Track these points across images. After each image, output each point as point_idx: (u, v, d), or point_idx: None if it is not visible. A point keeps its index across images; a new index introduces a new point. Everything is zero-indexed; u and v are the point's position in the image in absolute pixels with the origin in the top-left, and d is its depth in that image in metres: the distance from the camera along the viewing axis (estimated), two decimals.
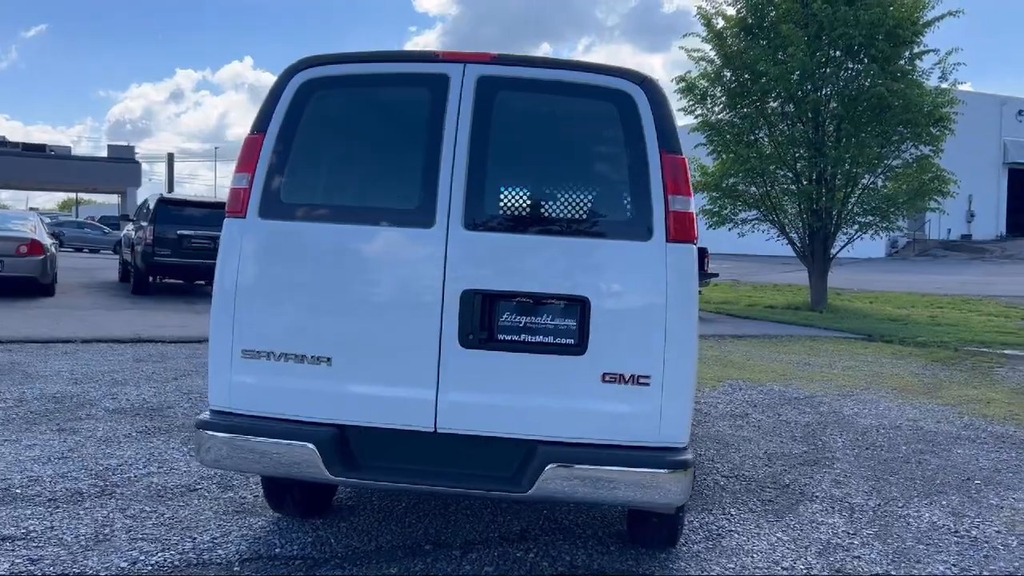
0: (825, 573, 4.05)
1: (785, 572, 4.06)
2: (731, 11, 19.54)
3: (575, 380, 3.36)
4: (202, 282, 17.88)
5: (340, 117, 3.71)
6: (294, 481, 4.21)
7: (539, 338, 3.36)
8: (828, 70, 18.38)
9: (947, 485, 5.61)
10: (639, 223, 3.41)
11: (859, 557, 4.26)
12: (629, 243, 3.41)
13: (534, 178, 3.67)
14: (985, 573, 4.11)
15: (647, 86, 3.48)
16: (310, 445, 3.34)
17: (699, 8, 19.61)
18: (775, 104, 19.56)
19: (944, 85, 18.08)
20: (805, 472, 5.83)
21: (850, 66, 18.54)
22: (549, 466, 3.23)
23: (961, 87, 18.40)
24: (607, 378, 3.33)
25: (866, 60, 18.06)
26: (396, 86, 3.64)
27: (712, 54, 19.62)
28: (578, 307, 3.35)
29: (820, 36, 17.91)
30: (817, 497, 5.25)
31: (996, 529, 4.74)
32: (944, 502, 5.22)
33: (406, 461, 3.45)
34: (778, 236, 19.95)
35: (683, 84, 20.10)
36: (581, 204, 3.60)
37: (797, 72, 17.64)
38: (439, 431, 3.39)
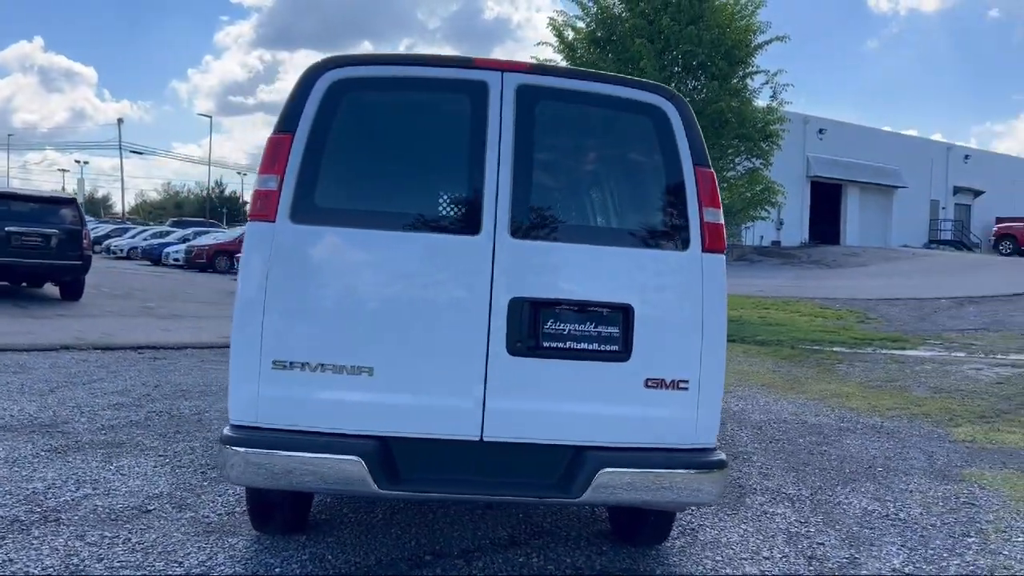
0: (802, 560, 4.37)
1: (767, 560, 4.35)
2: (581, 24, 20.28)
3: (619, 386, 3.45)
4: (24, 284, 16.44)
5: (375, 119, 3.61)
6: (287, 497, 4.05)
7: (584, 345, 3.43)
8: (673, 85, 19.44)
9: (856, 473, 6.16)
10: (677, 233, 3.56)
11: (822, 543, 4.63)
12: (668, 253, 3.55)
13: (574, 187, 3.73)
14: (930, 550, 4.58)
15: (677, 101, 3.64)
16: (358, 459, 3.23)
17: (551, 20, 20.22)
18: None
19: (773, 104, 19.64)
20: (732, 466, 6.21)
21: (691, 82, 19.73)
22: (601, 471, 3.31)
23: (786, 106, 20.03)
24: (650, 383, 3.45)
25: (705, 78, 19.29)
26: (433, 91, 3.58)
27: (564, 65, 20.25)
28: (621, 314, 3.45)
29: (665, 52, 18.95)
30: (756, 489, 5.63)
31: (918, 511, 5.29)
32: (863, 489, 5.75)
33: (450, 471, 3.41)
34: None
35: None
36: (621, 214, 3.71)
37: None
38: (485, 439, 3.38)
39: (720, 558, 4.36)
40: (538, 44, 26.31)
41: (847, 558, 4.42)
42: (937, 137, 44.87)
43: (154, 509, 4.64)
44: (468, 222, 3.43)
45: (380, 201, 3.56)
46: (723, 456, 3.53)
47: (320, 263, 3.43)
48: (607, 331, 3.44)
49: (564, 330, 3.42)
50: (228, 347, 3.46)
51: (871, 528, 4.92)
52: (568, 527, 4.67)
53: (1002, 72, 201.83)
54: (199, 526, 4.41)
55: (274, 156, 3.43)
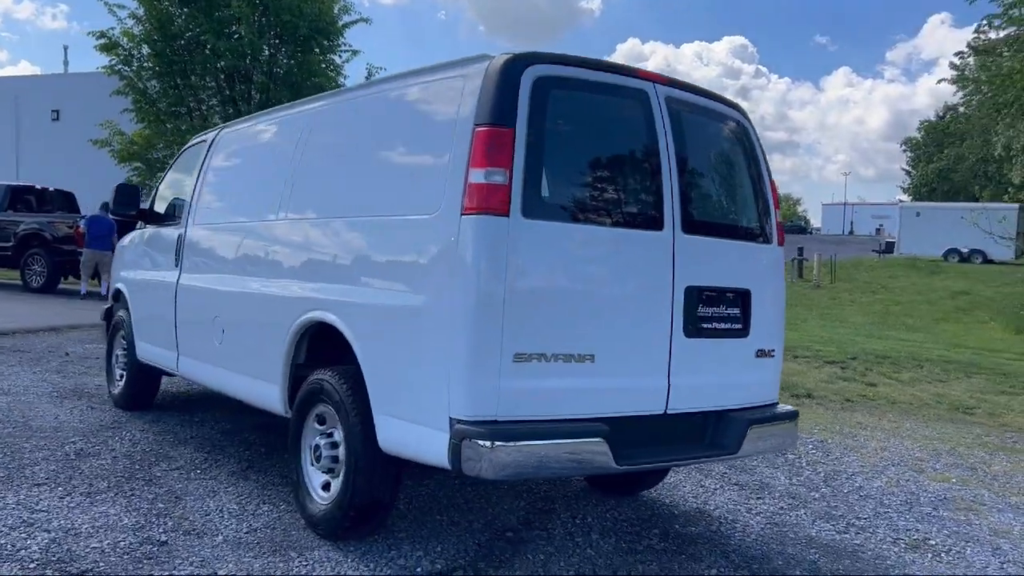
0: (735, 487, 5.51)
1: (717, 491, 5.39)
2: None
3: (742, 357, 4.14)
4: None
5: (572, 118, 3.67)
6: (393, 497, 3.92)
7: (724, 325, 4.04)
8: (267, 54, 19.06)
9: None
10: (766, 229, 4.35)
11: (733, 475, 5.81)
12: (764, 245, 4.32)
13: (710, 188, 4.20)
14: (803, 477, 6.07)
15: (748, 117, 4.39)
16: (601, 440, 3.41)
17: None
18: (206, 78, 19.39)
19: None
20: None
21: (286, 53, 19.53)
22: (751, 429, 3.98)
23: None
24: (758, 354, 4.20)
25: (301, 52, 19.30)
26: (612, 95, 3.76)
27: (141, 13, 18.52)
28: (744, 298, 4.12)
29: (263, 18, 18.53)
30: None
31: None
32: None
33: (644, 443, 3.75)
34: None
35: (105, 41, 18.64)
36: (738, 212, 4.32)
37: (249, 51, 17.94)
38: (668, 412, 3.80)
39: (689, 494, 5.29)
40: None
41: (758, 482, 5.68)
42: None
43: (168, 541, 3.94)
44: (656, 218, 3.78)
45: (589, 198, 3.67)
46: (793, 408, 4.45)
47: (550, 257, 3.47)
48: (736, 312, 4.10)
49: (711, 313, 3.98)
50: None
51: (744, 461, 6.25)
52: (556, 491, 5.14)
53: None
54: (253, 548, 3.93)
55: (496, 149, 3.35)
